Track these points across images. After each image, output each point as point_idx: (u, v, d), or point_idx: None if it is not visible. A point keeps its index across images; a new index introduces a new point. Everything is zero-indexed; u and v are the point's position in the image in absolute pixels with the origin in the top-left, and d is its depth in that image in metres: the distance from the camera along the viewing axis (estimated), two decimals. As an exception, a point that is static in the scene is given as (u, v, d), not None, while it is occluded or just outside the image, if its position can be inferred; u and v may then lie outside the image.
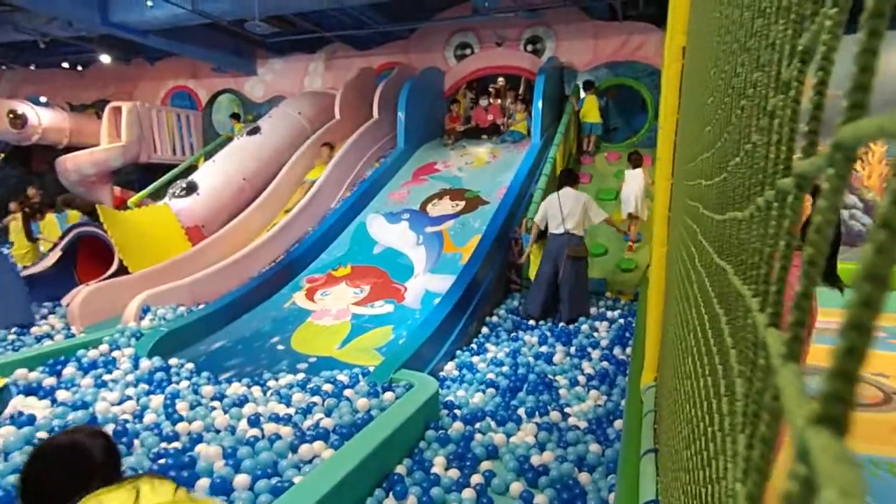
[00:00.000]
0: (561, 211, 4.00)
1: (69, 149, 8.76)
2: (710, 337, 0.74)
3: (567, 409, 3.03)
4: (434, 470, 2.38)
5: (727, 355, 0.53)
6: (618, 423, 2.77)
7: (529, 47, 8.11)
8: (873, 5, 0.21)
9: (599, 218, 4.20)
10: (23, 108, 8.87)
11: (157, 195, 7.64)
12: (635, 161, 5.40)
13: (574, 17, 7.78)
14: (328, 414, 2.78)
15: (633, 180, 5.30)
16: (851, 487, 0.18)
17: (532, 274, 4.90)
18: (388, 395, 2.91)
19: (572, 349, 3.82)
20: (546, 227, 4.31)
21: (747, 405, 0.37)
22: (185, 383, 3.17)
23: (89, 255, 5.32)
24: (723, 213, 0.74)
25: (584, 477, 2.37)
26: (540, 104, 6.67)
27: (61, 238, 5.29)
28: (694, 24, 1.77)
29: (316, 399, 2.97)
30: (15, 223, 6.16)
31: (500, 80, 8.10)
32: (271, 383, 3.30)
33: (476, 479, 2.32)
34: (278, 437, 2.50)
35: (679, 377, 1.18)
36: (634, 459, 1.96)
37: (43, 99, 10.06)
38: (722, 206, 0.76)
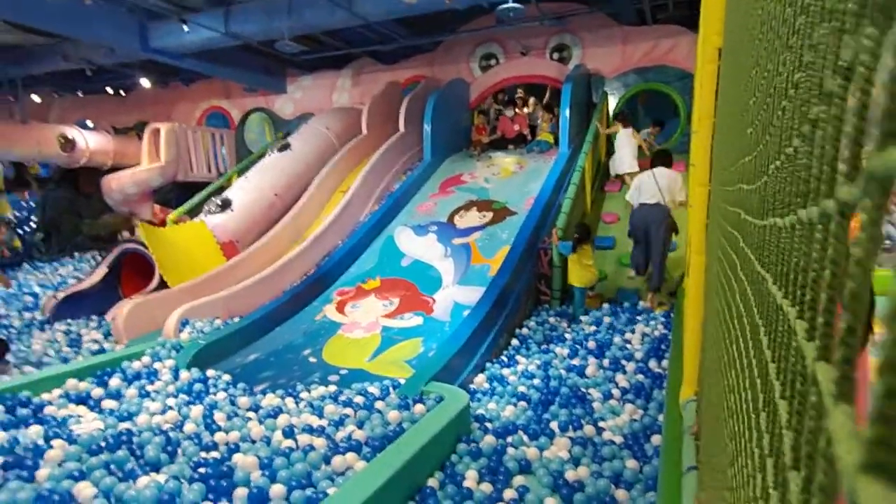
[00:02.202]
0: (658, 185, 4.61)
1: (113, 169, 9.22)
2: (750, 348, 0.71)
3: (601, 424, 2.95)
4: (466, 484, 2.35)
5: (766, 368, 0.50)
6: (655, 439, 2.68)
7: (556, 55, 8.08)
8: None
9: (682, 196, 4.64)
10: (72, 132, 9.40)
11: (193, 212, 7.94)
12: (623, 120, 6.31)
13: (601, 23, 7.72)
14: (360, 426, 2.79)
15: (625, 140, 6.21)
16: None
17: (564, 284, 4.85)
18: (419, 408, 2.91)
19: (605, 361, 3.73)
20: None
21: (798, 441, 0.35)
22: (222, 394, 3.25)
23: (133, 271, 5.56)
24: (763, 219, 0.71)
25: (621, 494, 2.29)
26: (567, 112, 6.62)
27: (107, 255, 5.54)
28: (731, 24, 1.73)
29: (348, 411, 2.99)
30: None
31: (520, 90, 8.09)
32: (304, 395, 3.35)
33: (509, 493, 2.28)
34: (312, 448, 2.52)
35: (723, 392, 1.13)
36: (675, 477, 1.89)
37: (90, 123, 10.65)
38: (763, 212, 0.73)
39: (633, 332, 4.21)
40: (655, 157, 4.88)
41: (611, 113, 7.49)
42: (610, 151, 7.42)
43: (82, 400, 3.16)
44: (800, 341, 0.37)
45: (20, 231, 9.51)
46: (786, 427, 0.39)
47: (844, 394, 0.26)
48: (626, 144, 6.22)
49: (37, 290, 6.65)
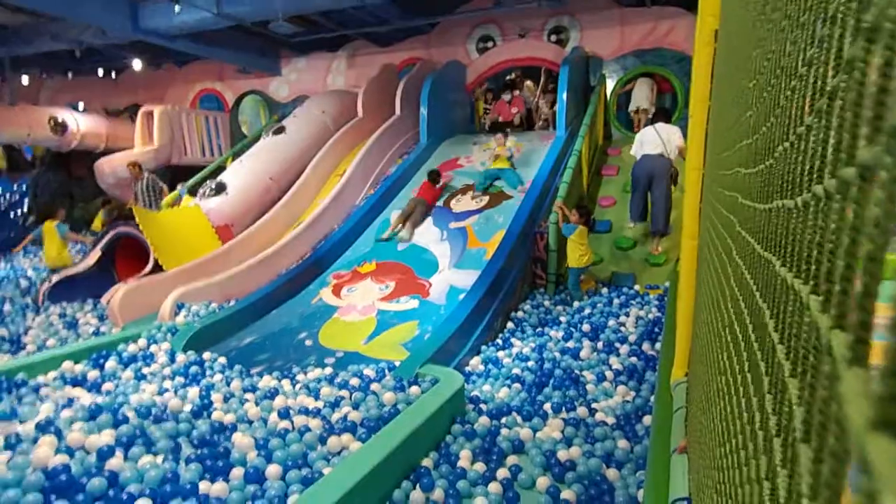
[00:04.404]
0: (661, 138, 4.97)
1: (106, 153, 9.11)
2: (749, 332, 0.71)
3: (594, 405, 2.99)
4: (460, 463, 2.39)
5: (772, 351, 0.50)
6: (646, 419, 2.72)
7: (553, 37, 7.97)
8: None
9: (680, 143, 4.95)
10: (63, 115, 9.26)
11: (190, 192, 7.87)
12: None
13: (599, 4, 7.60)
14: (355, 407, 2.82)
15: (644, 85, 7.27)
16: None
17: (561, 268, 4.89)
18: (415, 390, 2.93)
19: (599, 344, 3.76)
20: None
21: (810, 413, 0.35)
22: (218, 376, 3.27)
23: (128, 255, 5.54)
24: (768, 202, 0.70)
25: (612, 473, 2.33)
26: (565, 96, 6.56)
27: (100, 238, 5.51)
28: (728, 5, 1.70)
29: (343, 393, 3.02)
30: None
31: (515, 73, 8.02)
32: (300, 377, 3.37)
33: (502, 473, 2.32)
34: (308, 429, 2.55)
35: (712, 373, 1.14)
36: (664, 456, 1.92)
37: (81, 106, 10.48)
38: (768, 195, 0.73)
39: (627, 315, 4.24)
40: (656, 114, 5.35)
41: (608, 96, 7.47)
42: (607, 134, 7.37)
43: (78, 382, 3.17)
44: (813, 315, 0.37)
45: (10, 214, 9.42)
46: (797, 404, 0.39)
47: (859, 357, 0.26)
48: (644, 87, 7.29)
49: (31, 273, 6.62)
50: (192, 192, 7.30)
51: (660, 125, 5.08)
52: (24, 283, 6.09)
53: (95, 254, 5.37)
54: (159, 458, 2.30)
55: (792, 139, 0.58)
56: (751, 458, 0.55)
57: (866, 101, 0.29)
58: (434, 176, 5.93)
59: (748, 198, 0.91)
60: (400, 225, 5.49)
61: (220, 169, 7.84)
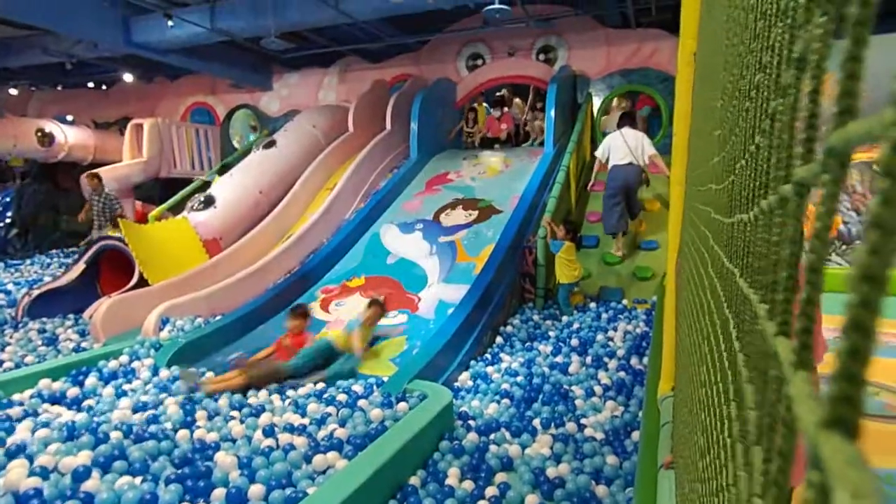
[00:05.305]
0: (628, 146, 4.91)
1: (93, 165, 9.04)
2: (721, 342, 0.73)
3: (583, 420, 2.98)
4: (448, 481, 2.35)
5: (735, 359, 0.52)
6: (635, 435, 2.72)
7: (542, 56, 8.14)
8: (856, 15, 0.20)
9: (652, 151, 4.99)
10: (50, 126, 9.19)
11: (176, 209, 7.82)
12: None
13: (586, 26, 7.79)
14: (342, 424, 2.78)
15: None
16: (864, 489, 0.17)
17: (550, 283, 4.91)
18: (402, 406, 2.90)
19: (588, 359, 3.77)
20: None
21: (761, 417, 0.36)
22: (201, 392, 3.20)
23: (112, 269, 5.46)
24: (731, 216, 0.73)
25: (601, 490, 2.32)
26: (553, 113, 6.67)
27: (85, 251, 5.44)
28: (704, 29, 1.76)
29: (330, 409, 2.97)
30: None
31: (504, 91, 8.15)
32: (290, 392, 3.32)
33: (491, 491, 2.29)
34: (293, 447, 2.51)
35: (694, 386, 1.15)
36: (652, 471, 1.91)
37: (69, 118, 10.42)
38: (730, 209, 0.76)
39: (615, 329, 4.26)
40: (622, 118, 5.29)
41: (595, 113, 7.61)
42: (594, 151, 7.48)
43: (56, 400, 3.09)
44: (762, 322, 0.39)
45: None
46: (751, 408, 0.40)
47: (803, 361, 0.28)
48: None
49: (10, 288, 6.49)
50: (175, 209, 7.25)
51: (626, 130, 5.06)
52: (1, 297, 5.96)
53: (79, 267, 5.29)
54: (137, 479, 2.24)
55: (746, 157, 0.61)
56: (722, 467, 0.55)
57: (799, 123, 0.31)
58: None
59: (718, 212, 0.94)
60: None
61: (206, 185, 7.81)
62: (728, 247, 0.75)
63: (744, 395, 0.44)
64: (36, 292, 5.13)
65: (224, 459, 2.37)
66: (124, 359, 3.64)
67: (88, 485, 2.14)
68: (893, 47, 2.57)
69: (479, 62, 8.49)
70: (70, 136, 9.40)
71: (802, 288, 0.26)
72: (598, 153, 5.26)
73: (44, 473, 2.21)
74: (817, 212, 0.24)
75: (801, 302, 0.26)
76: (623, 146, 4.96)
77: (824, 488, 0.19)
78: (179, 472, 2.30)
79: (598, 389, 3.33)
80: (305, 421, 2.85)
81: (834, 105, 0.23)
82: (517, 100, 8.22)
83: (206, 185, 7.74)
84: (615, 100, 7.67)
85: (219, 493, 2.16)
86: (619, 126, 5.18)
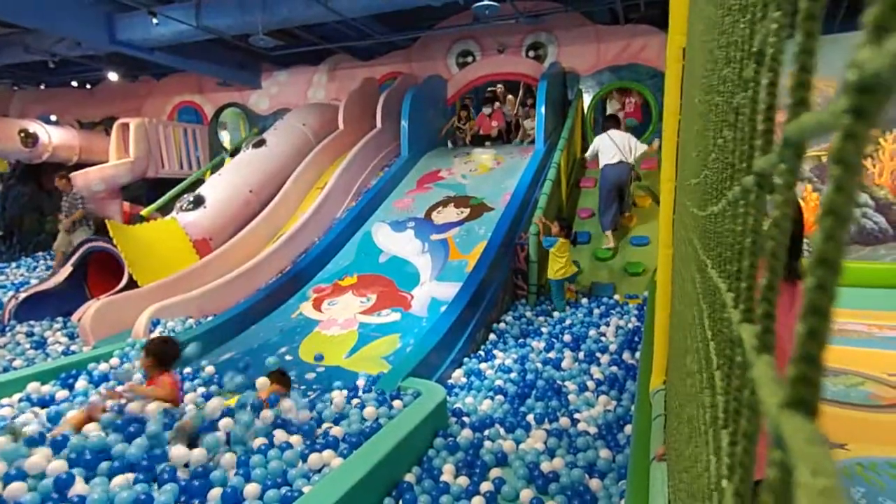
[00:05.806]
0: (616, 146, 5.10)
1: (79, 166, 8.90)
2: (699, 332, 0.75)
3: (577, 415, 3.01)
4: (443, 478, 2.37)
5: (709, 348, 0.53)
6: (628, 429, 2.75)
7: (531, 53, 8.14)
8: (807, 9, 0.21)
9: (642, 149, 5.20)
10: (33, 126, 9.03)
11: (165, 209, 7.74)
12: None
13: (575, 22, 7.80)
14: (337, 422, 2.78)
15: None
16: (824, 466, 0.18)
17: (542, 279, 4.94)
18: (397, 404, 2.91)
19: (581, 354, 3.80)
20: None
21: (728, 401, 0.37)
22: (194, 394, 3.18)
23: (100, 271, 5.39)
24: (705, 210, 0.75)
25: (594, 483, 2.35)
26: (543, 110, 6.68)
27: (72, 254, 5.36)
28: (692, 25, 1.78)
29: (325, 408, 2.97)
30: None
31: (499, 86, 8.15)
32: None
33: (486, 486, 2.30)
34: (289, 445, 2.50)
35: (681, 377, 1.17)
36: (644, 464, 1.94)
37: (53, 118, 10.24)
38: (704, 202, 0.77)
39: (607, 324, 4.30)
40: (606, 121, 5.51)
41: (585, 110, 7.64)
42: (585, 147, 7.51)
43: (45, 403, 3.05)
44: (728, 310, 0.40)
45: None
46: (720, 394, 0.42)
47: (766, 346, 0.29)
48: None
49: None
50: (164, 210, 7.16)
51: (613, 132, 5.24)
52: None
53: (66, 269, 5.22)
54: (131, 479, 2.22)
55: (716, 150, 0.62)
56: (700, 454, 0.57)
57: (759, 116, 0.32)
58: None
59: (695, 205, 0.95)
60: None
61: (198, 182, 7.73)
62: (702, 238, 0.77)
63: (714, 380, 0.45)
64: (23, 295, 5.06)
65: (223, 459, 2.37)
66: (115, 361, 3.61)
67: (79, 488, 2.12)
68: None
69: (470, 59, 8.47)
70: (54, 137, 9.24)
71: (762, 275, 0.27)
72: (587, 155, 5.48)
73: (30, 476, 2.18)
74: (775, 201, 0.25)
75: (763, 288, 0.27)
76: (612, 146, 5.15)
77: (786, 466, 0.20)
78: (175, 471, 2.29)
79: (590, 384, 3.36)
80: (299, 420, 2.84)
81: (789, 96, 0.24)
82: (511, 97, 8.22)
83: (195, 184, 7.67)
84: (614, 100, 7.72)
85: (215, 492, 2.16)
86: (606, 128, 5.35)
